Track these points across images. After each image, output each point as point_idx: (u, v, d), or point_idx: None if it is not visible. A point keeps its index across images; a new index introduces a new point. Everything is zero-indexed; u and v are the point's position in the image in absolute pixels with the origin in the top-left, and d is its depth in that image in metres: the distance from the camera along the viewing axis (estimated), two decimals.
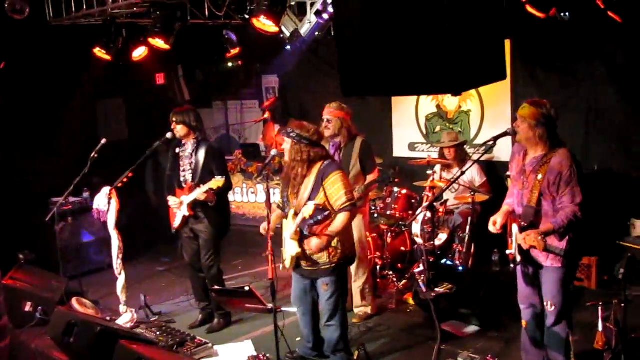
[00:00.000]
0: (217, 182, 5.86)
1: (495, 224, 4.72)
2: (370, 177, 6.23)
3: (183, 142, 6.28)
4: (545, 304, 4.63)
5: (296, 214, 4.91)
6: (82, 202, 8.33)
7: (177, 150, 6.31)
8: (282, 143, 5.15)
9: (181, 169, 6.25)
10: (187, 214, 6.17)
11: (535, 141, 4.50)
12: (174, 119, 6.18)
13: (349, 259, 5.17)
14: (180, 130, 6.18)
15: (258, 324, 6.40)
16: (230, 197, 9.90)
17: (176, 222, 6.31)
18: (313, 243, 4.84)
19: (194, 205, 6.13)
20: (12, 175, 8.45)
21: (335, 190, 4.86)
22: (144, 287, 7.77)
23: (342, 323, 5.19)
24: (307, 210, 4.73)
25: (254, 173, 9.43)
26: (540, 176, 4.47)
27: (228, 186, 6.23)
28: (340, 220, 4.86)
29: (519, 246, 4.50)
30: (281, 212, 5.27)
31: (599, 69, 7.25)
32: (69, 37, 8.23)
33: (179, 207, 6.19)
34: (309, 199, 4.89)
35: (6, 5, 6.74)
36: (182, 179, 6.24)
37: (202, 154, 6.14)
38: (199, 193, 5.96)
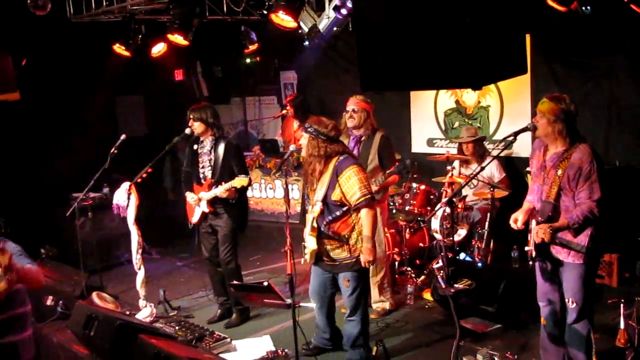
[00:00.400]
0: (242, 180, 5.91)
1: (516, 221, 4.68)
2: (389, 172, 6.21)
3: (201, 138, 6.30)
4: (566, 300, 4.57)
5: (313, 210, 4.94)
6: (102, 197, 8.38)
7: (195, 146, 6.34)
8: (301, 138, 5.16)
9: (200, 165, 6.28)
10: (206, 210, 6.21)
11: (555, 136, 4.46)
12: (191, 116, 6.21)
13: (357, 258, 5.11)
14: (197, 127, 6.20)
15: (276, 319, 6.40)
16: (249, 192, 9.94)
17: (195, 218, 6.35)
18: (364, 253, 4.89)
19: (214, 201, 6.17)
20: (34, 171, 8.56)
21: (350, 185, 4.85)
22: (163, 282, 7.82)
23: (362, 319, 5.20)
24: (316, 210, 4.89)
25: (272, 169, 9.44)
26: (560, 172, 4.42)
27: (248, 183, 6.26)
28: (365, 219, 4.87)
29: (535, 244, 4.47)
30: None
31: (620, 64, 7.16)
32: (89, 33, 8.31)
33: (197, 203, 6.23)
34: (326, 195, 4.90)
35: (28, 1, 6.77)
36: (201, 175, 6.27)
37: (221, 150, 6.15)
38: (221, 190, 6.00)
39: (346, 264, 4.99)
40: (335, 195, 4.87)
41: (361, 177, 4.88)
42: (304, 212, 5.08)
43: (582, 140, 4.48)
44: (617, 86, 7.22)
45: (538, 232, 4.36)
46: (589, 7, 6.19)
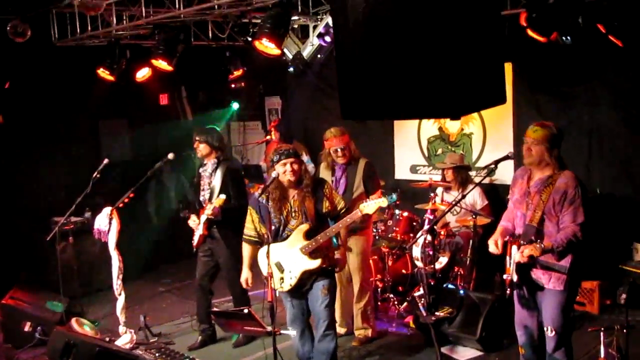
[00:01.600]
0: (219, 200, 5.99)
1: (496, 243, 4.70)
2: (373, 198, 6.22)
3: (205, 161, 6.36)
4: (545, 329, 4.59)
5: (311, 227, 5.00)
6: (83, 221, 8.31)
7: (200, 170, 6.39)
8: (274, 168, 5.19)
9: (201, 188, 6.33)
10: (202, 232, 6.23)
11: (548, 162, 4.52)
12: (197, 138, 6.29)
13: (334, 266, 5.25)
14: (202, 149, 6.28)
15: (253, 347, 6.37)
16: None
17: (194, 241, 6.37)
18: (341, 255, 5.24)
19: (209, 224, 6.18)
20: (15, 195, 8.48)
21: (334, 194, 5.24)
22: (145, 307, 7.75)
23: (335, 333, 5.24)
24: (304, 227, 4.99)
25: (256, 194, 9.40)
26: (544, 196, 4.47)
27: (242, 204, 6.22)
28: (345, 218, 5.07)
29: (517, 266, 4.49)
30: (252, 247, 5.26)
31: (600, 93, 7.27)
32: (73, 57, 8.30)
33: (197, 226, 6.26)
34: (316, 209, 5.03)
35: (8, 28, 6.82)
36: (201, 198, 6.33)
37: (220, 174, 6.22)
38: (208, 212, 6.07)
39: (324, 270, 5.08)
40: (325, 207, 5.08)
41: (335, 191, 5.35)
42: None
43: (566, 166, 4.56)
44: (598, 115, 7.31)
45: (524, 251, 4.38)
46: (569, 37, 6.28)
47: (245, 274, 5.30)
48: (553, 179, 4.49)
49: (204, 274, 6.42)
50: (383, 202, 5.00)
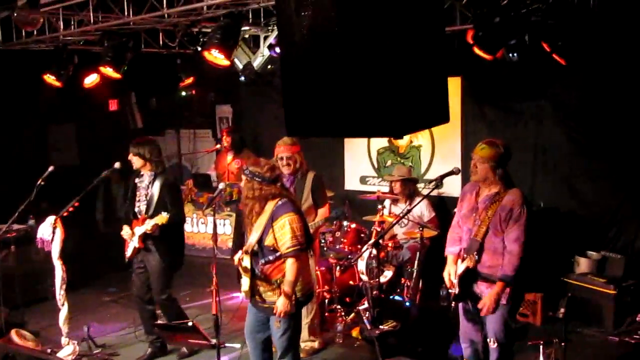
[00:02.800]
0: (162, 218, 5.90)
1: (450, 275, 4.78)
2: (321, 211, 6.23)
3: (141, 172, 6.25)
4: (488, 340, 4.67)
5: (246, 252, 4.81)
6: (27, 229, 8.11)
7: (136, 180, 6.28)
8: (235, 172, 5.13)
9: (137, 199, 6.23)
10: (137, 245, 6.14)
11: (494, 180, 4.60)
12: (131, 150, 6.18)
13: (305, 297, 5.00)
14: (135, 161, 6.18)
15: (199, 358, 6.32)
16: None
17: (128, 252, 6.28)
18: (280, 303, 4.70)
19: (145, 237, 6.10)
20: None
21: (283, 233, 4.72)
22: (89, 317, 7.57)
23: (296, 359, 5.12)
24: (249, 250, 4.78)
25: (204, 203, 9.35)
26: (490, 212, 4.57)
27: (179, 220, 6.27)
28: (289, 269, 4.72)
29: (460, 280, 4.57)
30: None
31: (545, 109, 7.45)
32: (19, 61, 8.12)
33: (131, 237, 6.17)
34: (260, 239, 4.78)
35: None
36: (136, 209, 6.22)
37: (157, 187, 6.11)
38: (146, 227, 5.97)
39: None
40: (268, 241, 4.76)
41: (295, 227, 4.74)
42: (238, 246, 4.94)
43: (513, 184, 4.64)
44: (543, 130, 7.50)
45: (487, 309, 4.51)
46: (515, 54, 6.43)
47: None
48: (500, 196, 4.58)
49: (140, 286, 6.33)
50: (315, 223, 4.83)
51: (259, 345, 5.12)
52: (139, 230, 6.07)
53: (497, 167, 4.57)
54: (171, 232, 6.14)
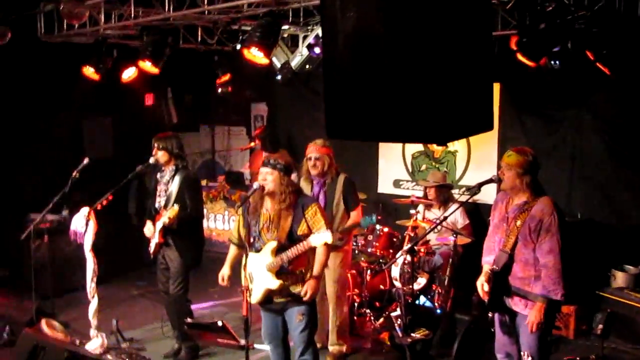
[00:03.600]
0: (172, 210, 5.91)
1: (483, 286, 4.69)
2: (353, 214, 6.17)
3: (163, 168, 6.26)
4: (522, 354, 4.58)
5: (280, 245, 4.79)
6: (60, 220, 8.18)
7: (158, 175, 6.29)
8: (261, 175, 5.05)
9: (157, 194, 6.23)
10: (157, 240, 6.14)
11: (521, 188, 4.51)
12: (156, 145, 6.16)
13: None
14: (161, 156, 6.16)
15: (228, 358, 6.29)
16: (212, 223, 9.84)
17: (151, 248, 6.29)
18: (310, 286, 4.79)
19: (165, 232, 6.10)
20: None
21: (317, 219, 4.82)
22: (118, 310, 7.62)
23: (316, 355, 5.09)
24: (272, 246, 4.77)
25: (236, 201, 9.35)
26: (519, 222, 4.47)
27: (197, 216, 6.27)
28: (321, 252, 4.80)
29: (492, 289, 4.49)
30: (237, 249, 5.19)
31: (585, 118, 7.31)
32: (58, 53, 8.19)
33: (153, 234, 6.18)
34: (291, 229, 4.81)
35: None
36: (156, 204, 6.23)
37: (177, 182, 6.11)
38: (163, 221, 5.98)
39: (300, 298, 4.88)
40: (301, 230, 4.80)
41: (324, 215, 4.93)
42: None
43: (544, 193, 4.54)
44: (581, 140, 7.36)
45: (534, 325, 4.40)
46: (557, 62, 6.32)
47: (223, 271, 5.20)
48: (529, 205, 4.48)
49: (165, 282, 6.33)
50: (328, 238, 4.79)
51: (280, 345, 5.18)
52: (158, 225, 6.09)
53: (524, 174, 4.46)
54: (189, 228, 6.15)
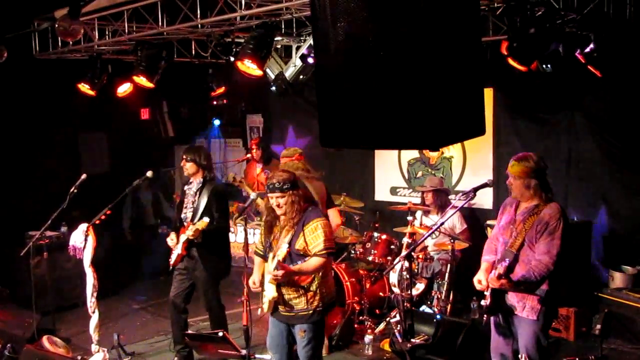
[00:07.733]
0: (202, 223, 5.85)
1: (480, 282, 4.71)
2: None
3: (190, 179, 6.26)
4: (519, 356, 4.59)
5: (284, 258, 4.73)
6: (59, 236, 8.19)
7: (185, 187, 6.30)
8: (265, 182, 5.05)
9: (184, 206, 6.23)
10: (180, 252, 6.13)
11: (530, 194, 4.56)
12: (184, 157, 6.18)
13: (327, 306, 4.95)
14: (189, 167, 6.17)
15: None
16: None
17: (172, 259, 6.24)
18: (280, 271, 4.64)
19: (189, 244, 6.08)
20: None
21: (315, 236, 4.72)
22: (119, 325, 7.64)
23: None
24: (281, 253, 4.63)
25: (234, 212, 9.35)
26: (527, 224, 4.51)
27: (224, 228, 6.23)
28: (313, 261, 4.71)
29: (492, 292, 4.51)
30: (261, 259, 5.16)
31: (578, 121, 7.35)
32: (54, 70, 8.24)
33: (175, 245, 6.17)
34: (289, 243, 4.75)
35: None
36: (183, 216, 6.21)
37: (205, 194, 6.09)
38: (188, 234, 5.94)
39: (303, 315, 4.85)
40: (299, 245, 4.75)
41: (327, 231, 4.76)
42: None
43: (554, 199, 4.58)
44: (576, 142, 7.39)
45: (493, 281, 4.41)
46: (549, 66, 6.36)
47: (254, 277, 5.04)
48: (539, 209, 4.53)
49: (179, 293, 6.29)
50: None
51: (284, 356, 5.11)
52: (183, 237, 6.06)
53: (530, 180, 4.51)
54: (215, 240, 6.11)
